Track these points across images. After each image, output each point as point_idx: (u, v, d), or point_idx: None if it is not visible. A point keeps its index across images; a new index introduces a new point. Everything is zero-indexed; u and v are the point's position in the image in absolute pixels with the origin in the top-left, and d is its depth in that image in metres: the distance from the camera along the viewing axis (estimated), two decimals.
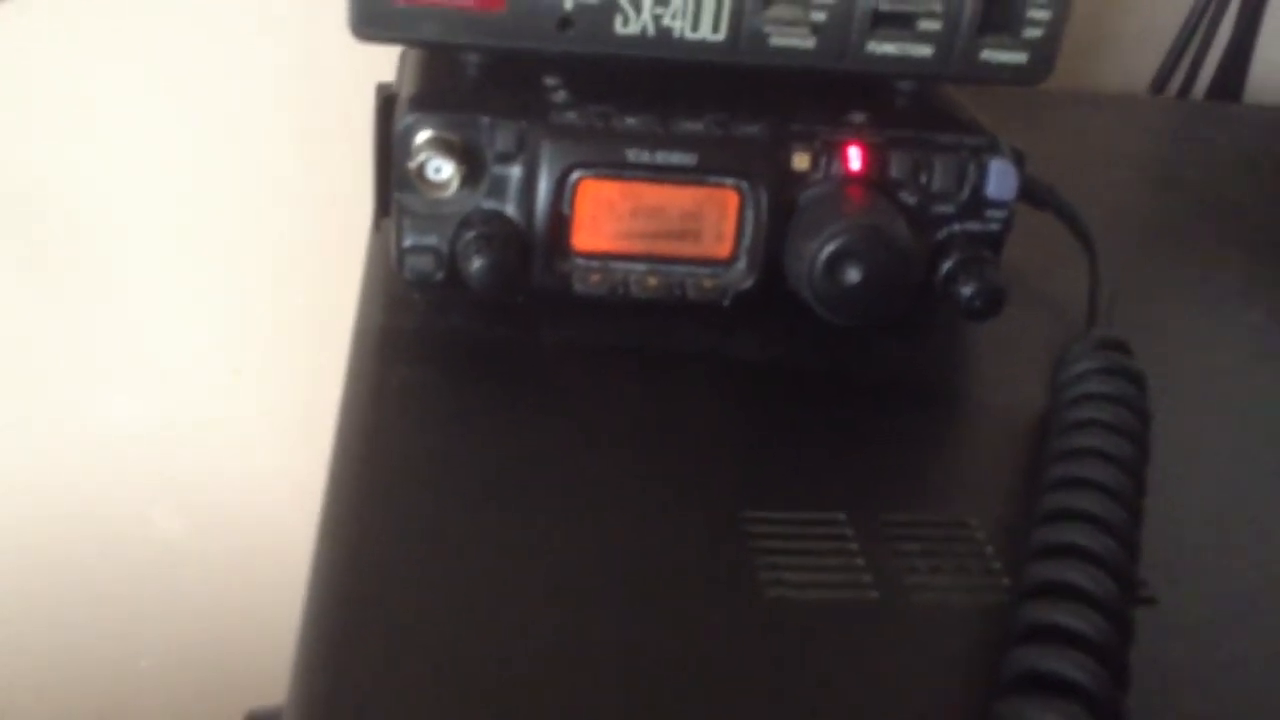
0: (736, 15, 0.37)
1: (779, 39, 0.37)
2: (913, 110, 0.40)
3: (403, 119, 0.36)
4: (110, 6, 0.65)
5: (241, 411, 0.80)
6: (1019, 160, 0.39)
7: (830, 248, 0.36)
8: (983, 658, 0.28)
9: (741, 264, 0.38)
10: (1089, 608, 0.26)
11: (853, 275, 0.36)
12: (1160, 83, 0.72)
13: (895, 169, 0.38)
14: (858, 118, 0.39)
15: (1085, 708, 0.25)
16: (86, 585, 0.84)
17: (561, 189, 0.37)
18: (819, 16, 0.37)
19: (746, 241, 0.38)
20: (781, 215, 0.38)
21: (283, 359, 0.78)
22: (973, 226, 0.39)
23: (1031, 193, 0.42)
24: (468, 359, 0.38)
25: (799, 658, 0.28)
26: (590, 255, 0.38)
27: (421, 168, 0.36)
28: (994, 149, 0.38)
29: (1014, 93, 0.40)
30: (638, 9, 0.37)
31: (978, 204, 0.38)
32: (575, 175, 0.37)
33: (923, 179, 0.38)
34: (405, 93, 0.38)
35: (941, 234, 0.39)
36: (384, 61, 0.44)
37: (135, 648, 0.88)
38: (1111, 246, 0.43)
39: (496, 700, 0.26)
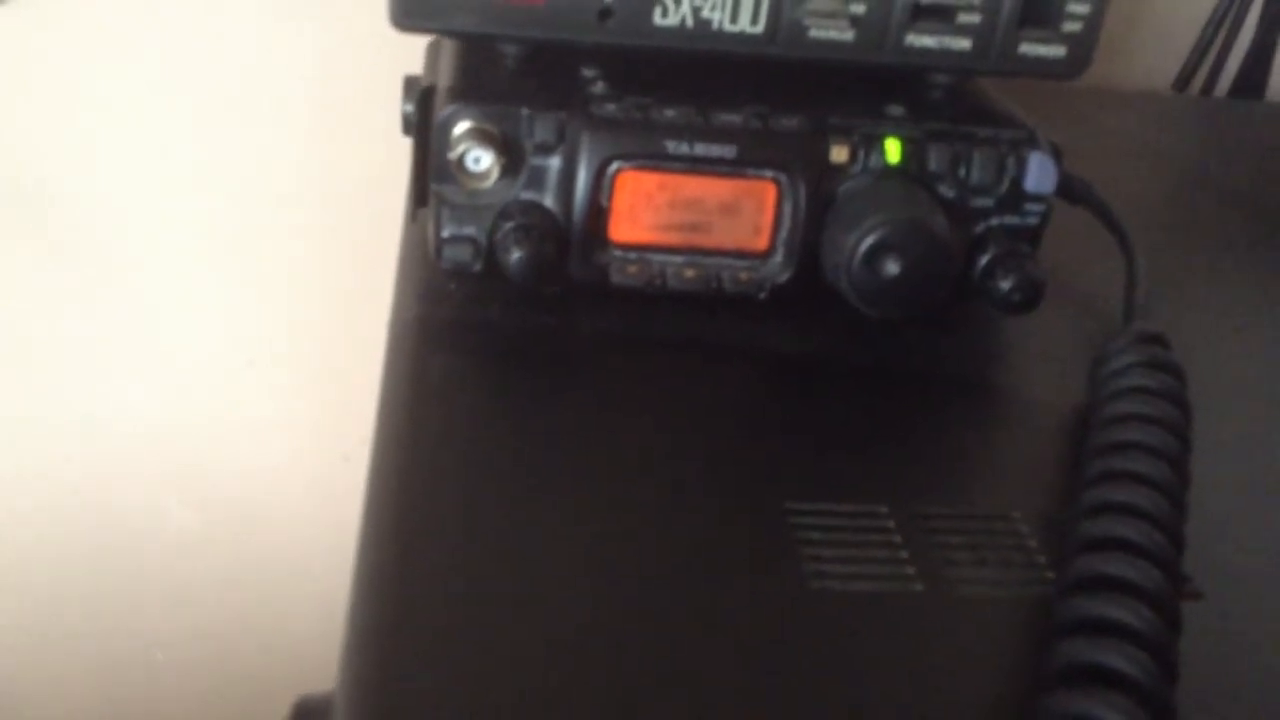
0: (775, 7, 0.37)
1: (818, 31, 0.37)
2: (951, 103, 0.40)
3: (442, 110, 0.36)
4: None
5: (256, 403, 0.80)
6: (1057, 154, 0.39)
7: (869, 241, 0.36)
8: (1027, 650, 0.28)
9: (779, 256, 0.38)
10: (1138, 600, 0.26)
11: (891, 268, 0.36)
12: (1183, 81, 0.72)
13: (934, 162, 0.38)
14: (896, 110, 0.39)
15: (1135, 701, 0.25)
16: (100, 577, 0.85)
17: (600, 180, 0.37)
18: (858, 9, 0.37)
19: (784, 234, 0.38)
20: (819, 208, 0.38)
21: (297, 351, 0.78)
22: (1011, 220, 0.39)
23: (1068, 188, 0.41)
24: (505, 349, 0.38)
25: (842, 649, 0.28)
26: (628, 247, 0.38)
27: (461, 159, 0.36)
28: (1033, 142, 0.38)
29: (1037, 89, 0.40)
30: (677, 1, 0.37)
31: (1016, 197, 0.38)
32: (614, 167, 0.37)
33: (961, 172, 0.38)
34: (444, 84, 0.38)
35: (980, 227, 0.39)
36: (402, 52, 0.44)
37: (149, 639, 0.88)
38: (1141, 242, 0.42)
39: (542, 685, 0.26)
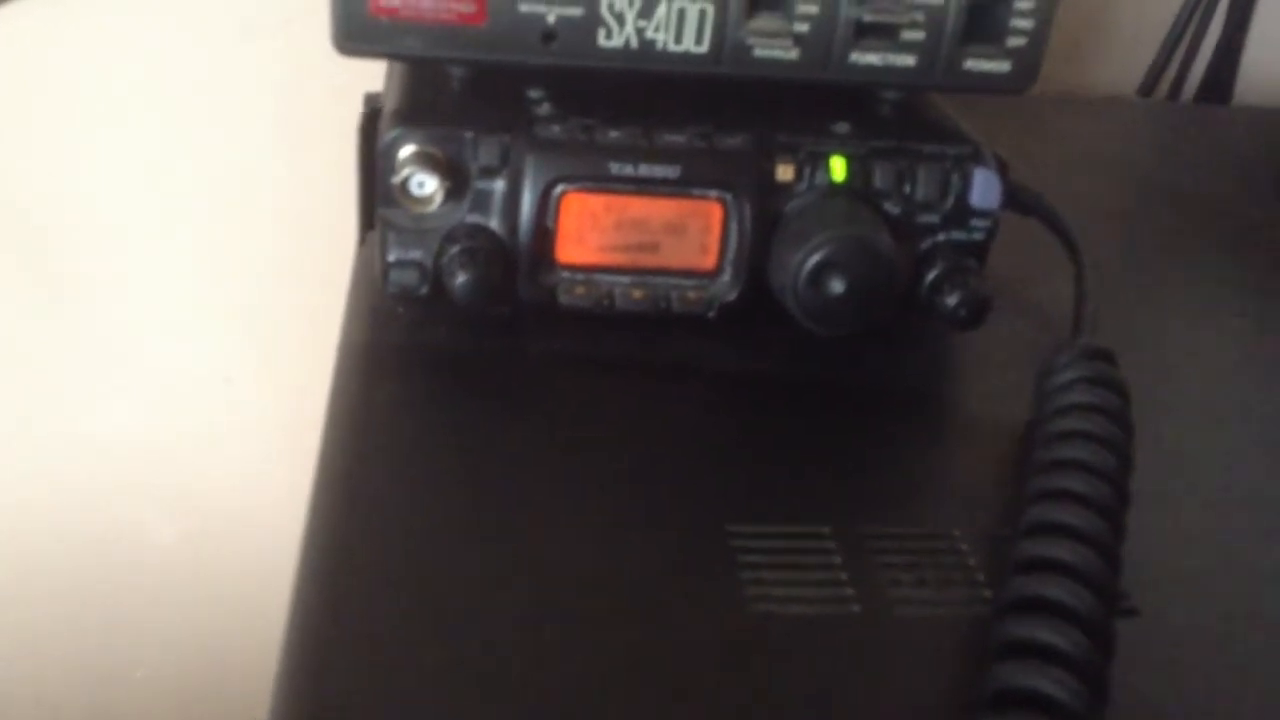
0: (719, 27, 0.37)
1: (762, 51, 0.37)
2: (897, 120, 0.40)
3: (386, 134, 0.36)
4: (103, 15, 0.65)
5: (233, 419, 0.80)
6: (1003, 168, 0.39)
7: (814, 259, 0.36)
8: (966, 671, 0.28)
9: (726, 276, 0.38)
10: (1067, 623, 0.26)
11: (837, 286, 0.36)
12: (1149, 85, 0.72)
13: (879, 179, 0.38)
14: (841, 128, 0.39)
15: None
16: (78, 593, 0.84)
17: (545, 202, 0.37)
18: (802, 28, 0.37)
19: (731, 253, 0.38)
20: (766, 227, 0.38)
21: (275, 367, 0.78)
22: (957, 236, 0.39)
23: (1018, 199, 0.42)
24: (453, 373, 0.38)
25: (782, 672, 0.28)
26: (575, 268, 0.38)
27: (405, 183, 0.36)
28: (977, 158, 0.38)
29: (999, 98, 0.40)
30: (621, 22, 0.37)
31: (962, 213, 0.39)
32: (559, 188, 0.37)
33: (906, 189, 0.38)
34: (388, 107, 0.38)
35: (925, 244, 0.39)
36: (375, 72, 0.44)
37: (129, 656, 0.87)
38: (1098, 252, 0.42)
39: (480, 710, 0.26)
